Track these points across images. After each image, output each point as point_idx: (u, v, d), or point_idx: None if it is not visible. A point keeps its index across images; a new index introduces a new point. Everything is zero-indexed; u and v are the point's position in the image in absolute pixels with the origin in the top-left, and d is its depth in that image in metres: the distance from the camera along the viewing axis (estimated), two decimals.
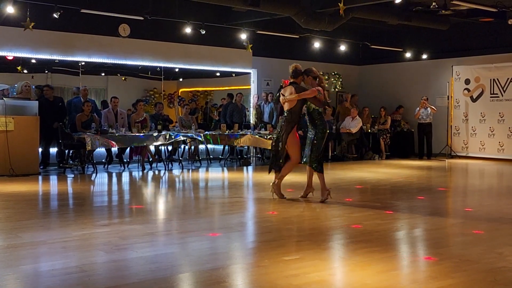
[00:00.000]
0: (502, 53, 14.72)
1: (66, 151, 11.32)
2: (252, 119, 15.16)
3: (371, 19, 13.83)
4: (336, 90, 17.28)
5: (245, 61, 14.88)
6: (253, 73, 15.51)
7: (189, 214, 7.02)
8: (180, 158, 12.79)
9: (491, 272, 4.41)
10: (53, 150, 11.67)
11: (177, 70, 14.62)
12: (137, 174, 11.27)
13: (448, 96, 15.86)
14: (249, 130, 13.36)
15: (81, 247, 5.10)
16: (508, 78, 14.66)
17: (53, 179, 10.35)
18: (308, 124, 7.91)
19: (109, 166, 12.00)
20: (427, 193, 9.07)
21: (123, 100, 12.96)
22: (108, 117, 11.87)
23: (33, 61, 12.61)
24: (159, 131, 11.80)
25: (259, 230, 6.20)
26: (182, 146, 12.81)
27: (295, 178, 9.42)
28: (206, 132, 12.55)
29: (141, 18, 12.58)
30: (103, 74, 15.06)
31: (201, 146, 13.19)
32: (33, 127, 10.47)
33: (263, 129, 13.67)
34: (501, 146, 14.86)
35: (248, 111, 15.49)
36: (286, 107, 7.76)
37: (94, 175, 10.79)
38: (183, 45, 13.79)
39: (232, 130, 13.00)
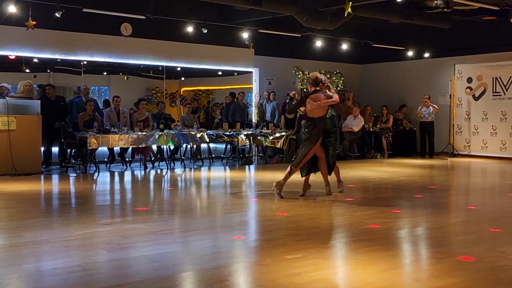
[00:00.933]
0: (504, 52, 14.68)
1: (68, 150, 11.34)
2: (254, 118, 15.16)
3: (373, 18, 13.80)
4: (338, 89, 17.26)
5: (247, 60, 14.88)
6: (255, 72, 15.50)
7: (191, 213, 7.02)
8: (182, 157, 12.80)
9: (493, 271, 4.41)
10: (55, 150, 11.69)
11: (179, 69, 14.63)
12: (139, 173, 11.28)
13: (450, 95, 15.83)
14: (251, 129, 13.37)
15: (83, 246, 5.11)
16: (510, 77, 14.62)
17: (55, 178, 10.36)
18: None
19: (111, 165, 12.01)
20: (429, 191, 9.06)
21: (125, 99, 12.97)
22: (110, 116, 11.88)
23: (35, 60, 12.64)
24: (161, 130, 11.81)
25: (261, 228, 6.20)
26: (184, 145, 12.81)
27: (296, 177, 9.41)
28: (208, 132, 12.58)
29: (143, 17, 12.59)
30: (105, 73, 15.08)
31: (203, 145, 13.20)
32: (35, 126, 10.48)
33: (265, 128, 13.68)
34: (503, 145, 14.83)
35: (249, 106, 15.47)
36: (316, 114, 7.88)
37: (96, 174, 10.80)
38: (185, 44, 13.79)
39: (234, 129, 13.01)
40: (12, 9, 10.82)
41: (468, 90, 15.56)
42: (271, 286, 4.00)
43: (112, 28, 12.79)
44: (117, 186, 10.03)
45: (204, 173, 11.64)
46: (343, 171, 11.66)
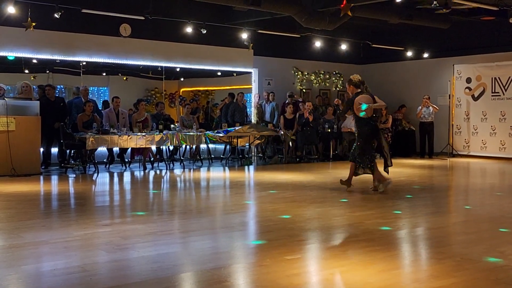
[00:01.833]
0: (503, 52, 14.69)
1: (68, 151, 11.33)
2: (254, 119, 15.16)
3: (372, 18, 13.80)
4: (337, 89, 17.27)
5: (246, 61, 14.87)
6: (254, 72, 15.50)
7: (191, 214, 7.02)
8: (182, 158, 12.80)
9: (493, 271, 4.41)
10: (55, 150, 11.68)
11: (178, 69, 14.62)
12: (138, 173, 11.27)
13: (449, 95, 15.84)
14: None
15: (83, 247, 5.11)
16: (509, 77, 14.63)
17: (55, 179, 10.36)
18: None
19: (111, 166, 12.01)
20: (429, 192, 9.07)
21: (125, 99, 12.96)
22: (110, 117, 11.87)
23: (35, 61, 12.63)
24: (161, 131, 11.81)
25: (261, 229, 6.19)
26: (184, 146, 12.81)
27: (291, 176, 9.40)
28: (208, 132, 12.57)
29: (142, 18, 12.58)
30: (104, 74, 15.07)
31: (203, 146, 13.20)
32: (35, 127, 10.47)
33: None
34: (502, 145, 14.84)
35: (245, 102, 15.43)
36: (369, 114, 8.56)
37: (95, 175, 10.80)
38: (184, 45, 13.79)
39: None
40: (11, 9, 10.81)
41: (467, 90, 15.57)
42: (271, 286, 4.00)
43: (111, 29, 12.79)
44: (116, 187, 10.03)
45: (203, 173, 11.63)
46: (343, 171, 11.67)
